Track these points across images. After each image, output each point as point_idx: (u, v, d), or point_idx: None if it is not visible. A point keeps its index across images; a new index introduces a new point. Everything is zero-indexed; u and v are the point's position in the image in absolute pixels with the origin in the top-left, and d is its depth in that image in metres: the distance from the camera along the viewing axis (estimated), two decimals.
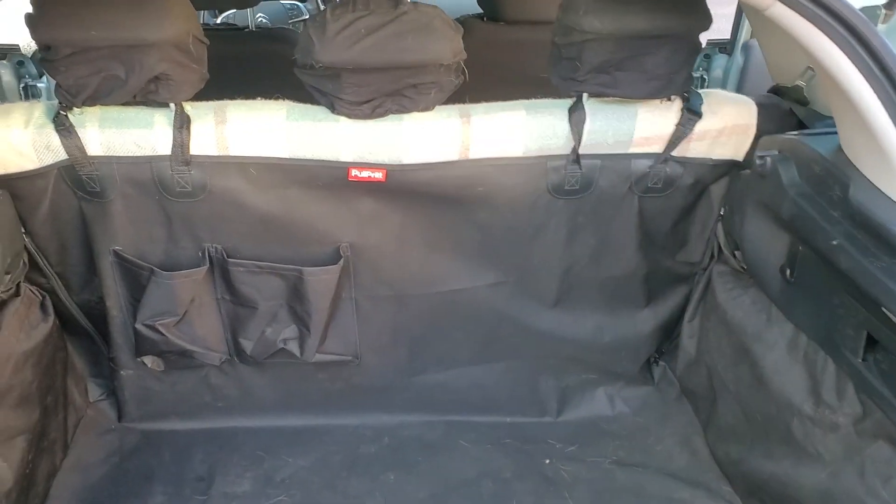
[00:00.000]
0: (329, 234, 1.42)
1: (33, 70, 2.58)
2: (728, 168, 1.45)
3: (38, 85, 2.54)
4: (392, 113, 1.34)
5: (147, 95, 1.28)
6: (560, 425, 1.73)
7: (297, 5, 3.47)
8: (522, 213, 1.43)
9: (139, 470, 1.59)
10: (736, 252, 1.51)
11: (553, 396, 1.73)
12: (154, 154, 1.31)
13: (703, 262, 1.61)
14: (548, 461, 1.63)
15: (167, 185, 1.33)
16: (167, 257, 1.42)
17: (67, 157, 1.29)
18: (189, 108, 1.31)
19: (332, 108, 1.32)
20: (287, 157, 1.33)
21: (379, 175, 1.34)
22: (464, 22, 2.01)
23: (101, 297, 1.48)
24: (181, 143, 1.29)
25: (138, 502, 1.50)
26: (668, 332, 1.72)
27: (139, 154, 1.31)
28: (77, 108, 1.28)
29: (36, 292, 1.47)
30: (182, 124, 1.29)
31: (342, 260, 1.42)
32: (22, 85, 2.52)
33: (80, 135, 1.28)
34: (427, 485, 1.58)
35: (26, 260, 1.43)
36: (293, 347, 1.53)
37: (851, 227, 1.11)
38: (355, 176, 1.34)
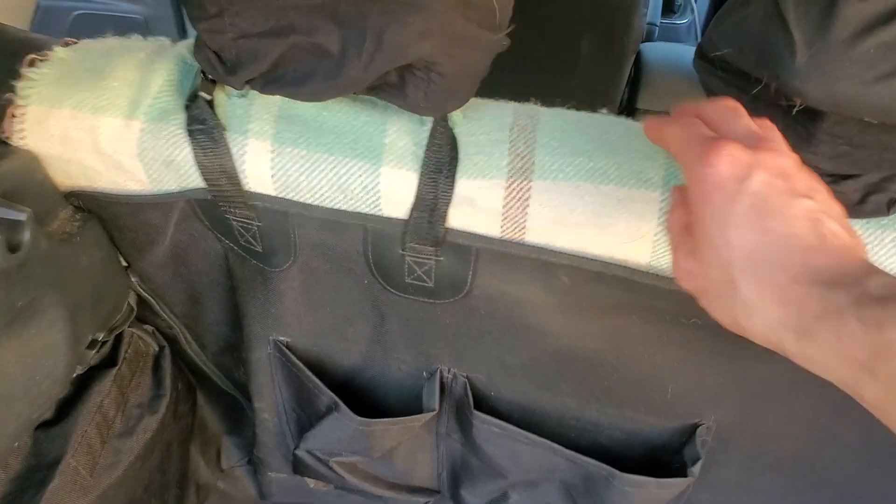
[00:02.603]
0: (682, 404, 0.71)
1: None
2: None
3: None
4: None
5: (378, 91, 0.57)
6: None
7: None
8: None
9: None
10: None
11: None
12: (374, 213, 0.62)
13: None
14: None
15: (389, 270, 0.65)
16: (367, 365, 0.77)
17: (205, 185, 0.63)
18: (460, 121, 0.60)
19: None
20: (645, 266, 0.61)
21: None
22: None
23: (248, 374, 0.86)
24: (433, 202, 0.59)
25: None
26: None
27: (344, 207, 0.62)
28: (236, 89, 0.59)
29: (150, 340, 0.86)
30: (441, 165, 0.59)
31: (698, 464, 0.71)
32: None
33: (234, 147, 0.61)
34: None
35: (133, 303, 0.81)
36: None
37: None
38: None
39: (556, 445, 0.72)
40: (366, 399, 0.79)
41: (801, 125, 0.54)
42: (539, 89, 1.51)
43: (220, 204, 0.63)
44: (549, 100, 0.64)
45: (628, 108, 1.80)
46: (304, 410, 0.81)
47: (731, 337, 0.62)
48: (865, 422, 0.66)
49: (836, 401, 0.65)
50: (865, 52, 0.48)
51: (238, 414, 1.04)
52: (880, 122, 0.51)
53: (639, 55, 1.78)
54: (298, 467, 0.86)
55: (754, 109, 0.57)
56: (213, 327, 0.83)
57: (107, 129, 0.60)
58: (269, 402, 0.83)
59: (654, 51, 1.82)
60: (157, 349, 0.87)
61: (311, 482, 0.93)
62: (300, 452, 0.82)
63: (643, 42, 2.05)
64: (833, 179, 0.56)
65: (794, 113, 0.53)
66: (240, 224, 0.65)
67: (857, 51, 0.48)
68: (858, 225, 0.58)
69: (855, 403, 0.65)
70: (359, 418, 0.73)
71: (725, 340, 0.64)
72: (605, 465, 0.71)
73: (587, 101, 1.73)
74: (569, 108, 0.63)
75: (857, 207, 0.57)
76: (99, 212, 0.68)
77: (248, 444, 1.09)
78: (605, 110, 0.63)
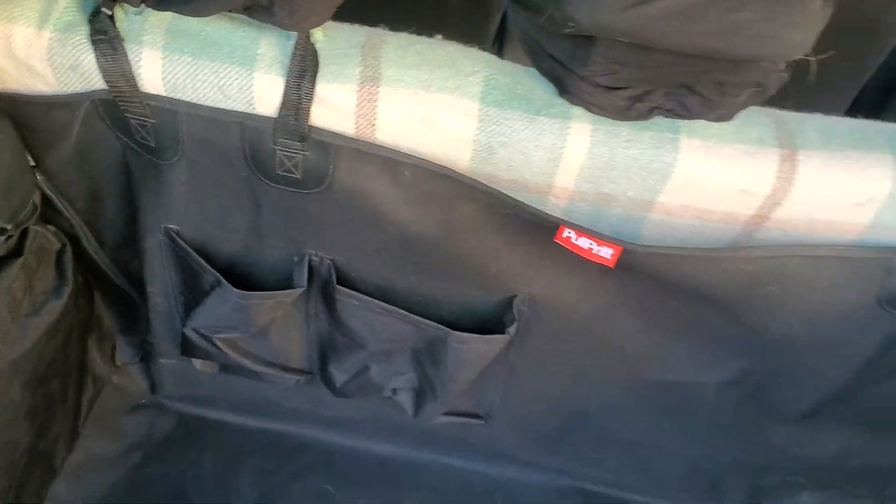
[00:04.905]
0: (503, 279, 0.88)
1: None
2: None
3: None
4: (662, 114, 0.75)
5: (250, 10, 0.71)
6: None
7: None
8: (821, 325, 0.86)
9: (168, 483, 1.15)
10: None
11: (740, 492, 1.23)
12: (249, 111, 0.76)
13: None
14: None
15: (263, 163, 0.79)
16: (246, 253, 0.91)
17: (106, 87, 0.76)
18: (320, 38, 0.75)
19: (565, 88, 0.75)
20: (467, 166, 0.77)
21: (607, 253, 0.78)
22: None
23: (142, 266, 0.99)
24: (297, 103, 0.74)
25: None
26: None
27: (224, 106, 0.76)
28: (132, 6, 0.72)
29: (52, 237, 0.98)
30: (303, 72, 0.73)
31: (514, 325, 0.89)
32: None
33: (131, 55, 0.73)
34: None
35: (38, 201, 0.92)
36: (405, 401, 1.04)
37: None
38: (566, 239, 0.79)
39: (404, 312, 0.89)
40: (245, 284, 0.92)
41: (581, 48, 0.71)
42: None
43: (119, 104, 0.76)
44: None
45: None
46: (191, 293, 0.94)
47: (541, 223, 0.80)
48: (642, 295, 0.86)
49: (619, 278, 0.85)
50: None
51: (132, 314, 1.16)
52: (637, 45, 0.68)
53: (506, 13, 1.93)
54: (186, 346, 0.99)
55: (548, 39, 0.73)
56: (111, 222, 0.95)
57: (19, 37, 0.72)
58: (161, 286, 0.96)
59: None
60: (59, 246, 0.99)
61: (197, 363, 1.07)
62: (187, 331, 0.95)
63: None
64: (607, 90, 0.73)
65: (569, 37, 0.69)
66: (136, 122, 0.77)
67: None
68: (626, 126, 0.75)
69: (634, 280, 0.84)
70: (238, 291, 0.87)
71: (535, 226, 0.81)
72: (441, 326, 0.88)
73: None
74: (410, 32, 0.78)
75: (624, 113, 0.74)
76: (11, 112, 0.79)
77: (140, 342, 1.21)
78: (440, 36, 0.79)
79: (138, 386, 1.23)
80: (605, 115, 0.75)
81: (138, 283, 1.05)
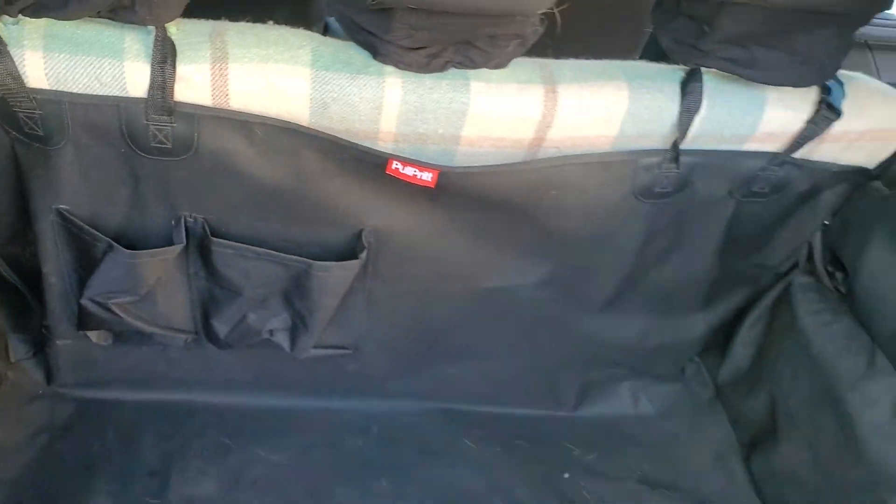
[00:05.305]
0: (350, 216, 1.08)
1: None
2: (853, 176, 1.16)
3: None
4: (454, 66, 0.98)
5: (115, 12, 0.89)
6: (577, 422, 1.50)
7: None
8: (596, 218, 1.12)
9: (75, 457, 1.28)
10: (835, 272, 1.25)
11: (572, 389, 1.49)
12: (123, 94, 0.93)
13: (781, 267, 1.35)
14: (567, 475, 1.40)
15: (138, 138, 0.96)
16: (130, 224, 1.07)
17: None
18: (174, 31, 0.93)
19: (375, 53, 0.96)
20: (307, 121, 0.97)
21: (427, 177, 1.00)
22: None
23: (35, 254, 1.12)
24: (162, 83, 0.91)
25: None
26: (717, 334, 1.47)
27: (101, 93, 0.92)
28: (10, 17, 0.88)
29: None
30: (165, 57, 0.91)
31: (364, 252, 1.09)
32: None
33: (15, 57, 0.89)
34: (428, 498, 1.33)
35: None
36: (282, 340, 1.22)
37: None
38: (395, 170, 1.00)
39: (273, 252, 1.07)
40: None
41: (384, 19, 0.92)
42: None
43: (9, 100, 0.91)
44: None
45: None
46: (84, 269, 1.09)
47: (377, 164, 1.01)
48: (462, 213, 1.08)
49: (442, 201, 1.06)
50: None
51: (22, 312, 1.29)
52: (425, 11, 0.90)
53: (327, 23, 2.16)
54: (83, 318, 1.13)
55: (359, 14, 0.94)
56: (1, 217, 1.09)
57: None
58: (55, 266, 1.10)
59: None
60: None
61: (93, 336, 1.20)
62: (84, 301, 1.09)
63: None
64: (409, 50, 0.95)
65: (375, 10, 0.90)
66: (25, 115, 0.92)
67: None
68: (428, 77, 0.97)
69: (454, 202, 1.06)
70: (128, 251, 1.03)
71: (369, 164, 1.02)
72: (303, 258, 1.07)
73: None
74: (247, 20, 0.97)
75: (425, 67, 0.97)
76: None
77: (32, 339, 1.33)
78: (271, 22, 0.98)
79: (34, 379, 1.35)
80: (410, 70, 0.97)
81: (29, 278, 1.18)
